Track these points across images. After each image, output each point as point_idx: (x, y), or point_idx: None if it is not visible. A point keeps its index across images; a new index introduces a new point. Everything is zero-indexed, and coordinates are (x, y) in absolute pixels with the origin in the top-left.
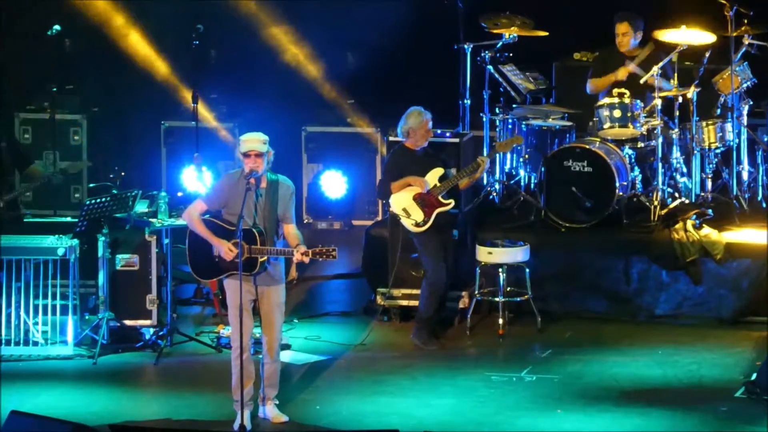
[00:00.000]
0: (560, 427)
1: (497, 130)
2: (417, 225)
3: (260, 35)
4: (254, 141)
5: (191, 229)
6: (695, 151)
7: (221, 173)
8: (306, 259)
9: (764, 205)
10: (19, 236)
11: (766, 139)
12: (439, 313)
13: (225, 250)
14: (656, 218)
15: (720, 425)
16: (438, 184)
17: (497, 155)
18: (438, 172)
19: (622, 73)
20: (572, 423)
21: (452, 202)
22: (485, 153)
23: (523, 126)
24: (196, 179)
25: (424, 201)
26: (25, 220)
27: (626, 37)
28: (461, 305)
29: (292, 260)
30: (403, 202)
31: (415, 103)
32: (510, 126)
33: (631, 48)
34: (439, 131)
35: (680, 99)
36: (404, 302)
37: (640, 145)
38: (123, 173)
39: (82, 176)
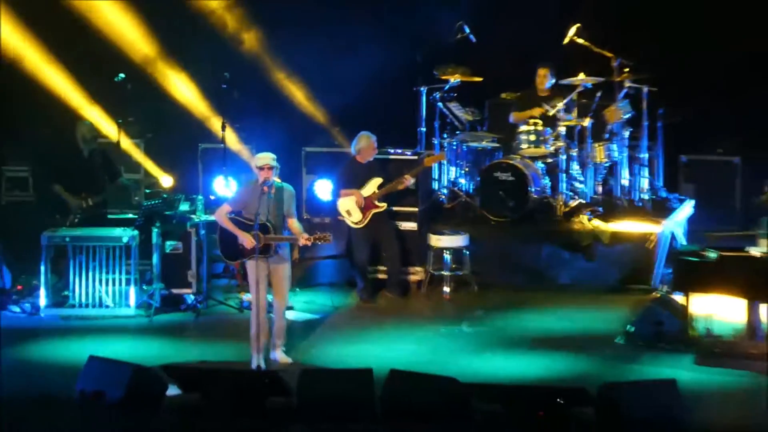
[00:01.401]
0: (489, 365)
1: (445, 150)
2: (355, 223)
3: (271, 80)
4: (267, 158)
5: (220, 225)
6: (589, 165)
7: (243, 183)
8: (309, 243)
9: (638, 204)
10: (95, 228)
11: (640, 156)
12: (377, 279)
13: (247, 241)
14: (561, 214)
15: (605, 363)
16: (376, 191)
17: (431, 166)
18: (377, 181)
19: (537, 111)
20: (497, 362)
21: (385, 205)
22: (419, 163)
23: (463, 147)
24: (223, 187)
25: (364, 205)
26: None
27: (545, 78)
28: (419, 278)
29: (296, 245)
30: (347, 205)
31: (386, 130)
32: (454, 147)
33: (546, 87)
34: (400, 150)
35: (579, 126)
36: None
37: (549, 160)
38: (173, 180)
39: (141, 184)
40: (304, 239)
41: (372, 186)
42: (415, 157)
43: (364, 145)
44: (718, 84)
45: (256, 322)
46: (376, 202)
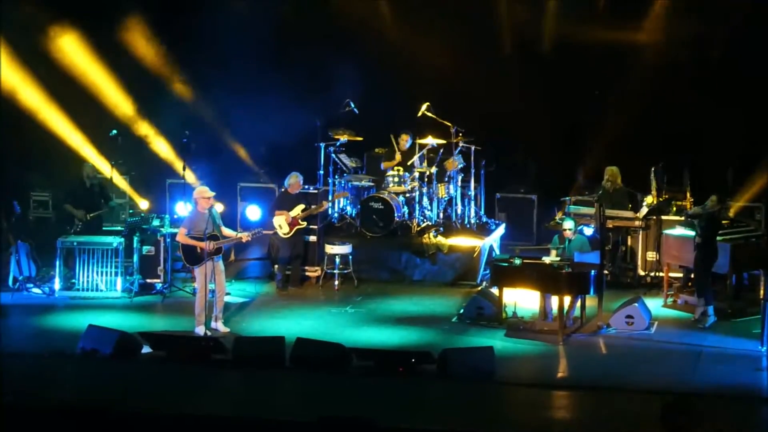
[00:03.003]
0: (366, 336)
1: (337, 187)
2: (284, 234)
3: (217, 135)
4: (208, 191)
5: (182, 243)
6: (435, 199)
7: (192, 210)
8: (249, 238)
9: (467, 225)
10: (94, 236)
11: (469, 193)
12: (288, 275)
13: (206, 245)
14: (415, 232)
15: (444, 335)
16: (300, 213)
17: (338, 199)
18: (301, 206)
19: (399, 164)
20: (372, 333)
21: (306, 223)
22: (330, 198)
23: (350, 185)
24: (183, 209)
25: (291, 222)
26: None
27: (406, 141)
28: (317, 274)
29: (231, 248)
30: (279, 221)
31: (299, 171)
32: (343, 185)
33: (406, 147)
34: (308, 187)
35: (428, 172)
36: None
37: (408, 195)
38: (149, 204)
39: (126, 206)
40: (245, 236)
41: (297, 209)
42: (317, 191)
43: (293, 182)
44: (521, 145)
45: (201, 304)
46: (300, 221)
